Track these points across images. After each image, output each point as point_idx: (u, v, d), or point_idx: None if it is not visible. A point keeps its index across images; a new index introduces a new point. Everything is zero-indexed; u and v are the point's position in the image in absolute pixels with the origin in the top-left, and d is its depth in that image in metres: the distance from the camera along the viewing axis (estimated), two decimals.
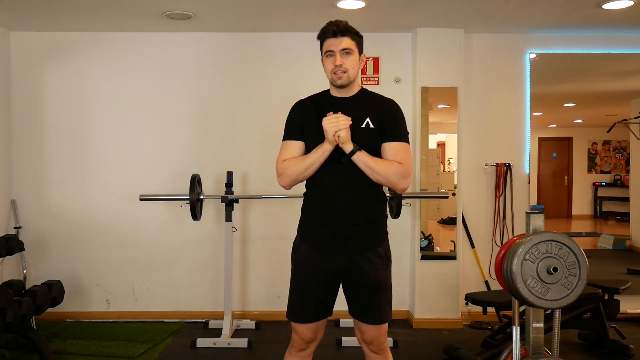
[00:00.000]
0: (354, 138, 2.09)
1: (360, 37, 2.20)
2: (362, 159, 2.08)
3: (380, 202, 2.24)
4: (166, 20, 4.00)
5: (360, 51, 2.20)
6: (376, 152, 2.15)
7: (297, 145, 2.20)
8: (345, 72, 2.13)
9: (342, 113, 2.12)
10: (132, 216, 4.37)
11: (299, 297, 2.24)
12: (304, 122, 2.20)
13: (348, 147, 2.07)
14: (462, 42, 4.21)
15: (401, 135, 2.18)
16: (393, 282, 2.26)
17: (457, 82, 4.22)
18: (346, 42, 2.13)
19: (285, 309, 2.27)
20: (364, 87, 2.29)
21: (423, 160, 4.23)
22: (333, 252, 2.16)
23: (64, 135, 4.38)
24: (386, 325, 2.24)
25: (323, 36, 2.18)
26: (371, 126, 2.15)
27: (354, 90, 2.22)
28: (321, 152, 2.10)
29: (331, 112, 2.09)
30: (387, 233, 2.26)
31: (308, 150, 2.19)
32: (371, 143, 2.14)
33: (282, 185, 2.21)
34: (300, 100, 2.30)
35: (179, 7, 3.73)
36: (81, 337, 3.91)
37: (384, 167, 2.09)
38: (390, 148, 2.14)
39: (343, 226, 2.14)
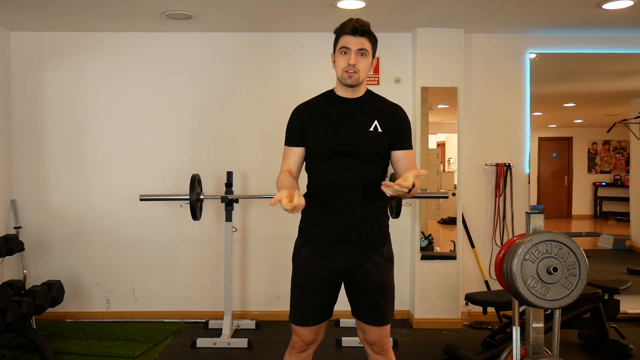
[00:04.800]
0: (362, 140, 2.09)
1: (377, 40, 2.18)
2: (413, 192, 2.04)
3: (383, 202, 2.22)
4: (166, 20, 4.00)
5: (374, 55, 2.18)
6: (382, 156, 2.16)
7: (296, 152, 2.20)
8: (357, 72, 2.10)
9: (350, 114, 2.13)
10: (132, 216, 4.37)
11: (302, 301, 2.21)
12: (306, 126, 2.17)
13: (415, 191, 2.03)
14: (462, 42, 4.21)
15: (410, 142, 2.24)
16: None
17: (457, 82, 4.22)
18: (364, 42, 2.10)
19: (285, 309, 2.27)
20: (368, 87, 2.27)
21: (423, 160, 4.23)
22: (337, 254, 2.13)
23: (64, 135, 4.38)
24: (389, 326, 2.23)
25: (341, 32, 2.12)
26: (379, 130, 2.13)
27: (361, 91, 2.20)
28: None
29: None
30: (389, 234, 2.25)
31: (311, 152, 2.17)
32: (379, 147, 2.13)
33: None
34: (300, 104, 2.26)
35: (179, 7, 3.73)
36: (81, 337, 3.91)
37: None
38: (406, 157, 2.19)
39: (347, 228, 2.12)
